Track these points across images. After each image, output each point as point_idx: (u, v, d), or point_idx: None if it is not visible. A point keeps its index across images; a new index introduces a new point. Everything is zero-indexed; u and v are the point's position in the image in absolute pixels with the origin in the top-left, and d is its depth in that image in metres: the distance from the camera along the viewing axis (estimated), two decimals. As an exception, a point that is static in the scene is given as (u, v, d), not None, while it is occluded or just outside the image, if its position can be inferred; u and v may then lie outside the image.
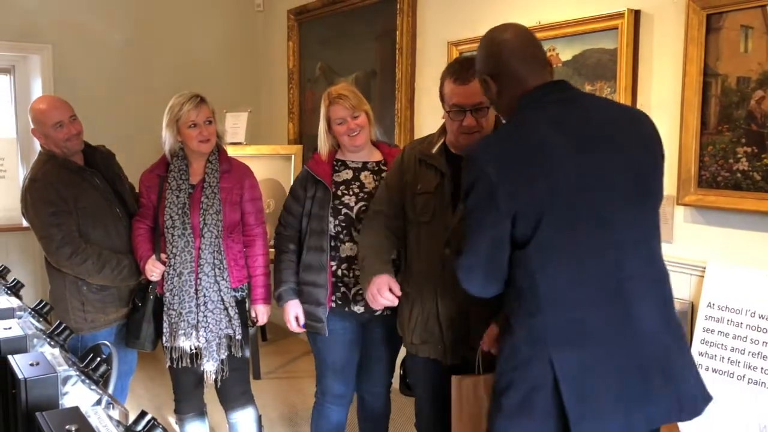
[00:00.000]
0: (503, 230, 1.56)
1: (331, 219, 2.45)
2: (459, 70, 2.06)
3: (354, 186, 2.49)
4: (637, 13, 2.62)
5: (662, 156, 1.69)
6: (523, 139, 1.59)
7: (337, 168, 2.53)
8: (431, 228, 2.16)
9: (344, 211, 2.46)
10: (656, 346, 1.58)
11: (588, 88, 2.81)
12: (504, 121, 1.82)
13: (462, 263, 1.66)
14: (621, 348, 1.55)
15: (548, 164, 1.54)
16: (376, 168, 2.54)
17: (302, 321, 2.54)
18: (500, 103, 1.73)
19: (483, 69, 1.73)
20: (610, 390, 1.54)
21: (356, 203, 2.47)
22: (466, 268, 1.66)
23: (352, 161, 2.54)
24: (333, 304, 2.48)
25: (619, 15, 2.64)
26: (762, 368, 2.28)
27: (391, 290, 2.15)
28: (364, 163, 2.54)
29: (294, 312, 2.54)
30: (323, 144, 2.53)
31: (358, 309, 2.48)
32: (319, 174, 2.49)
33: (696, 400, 1.64)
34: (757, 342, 2.30)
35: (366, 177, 2.51)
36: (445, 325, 2.15)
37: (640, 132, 1.66)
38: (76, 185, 2.66)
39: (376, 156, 2.57)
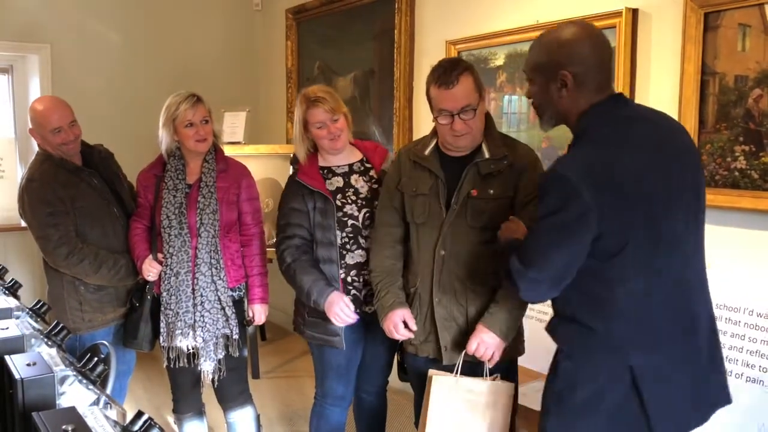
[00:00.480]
0: (585, 248, 1.59)
1: (337, 232, 2.41)
2: (443, 74, 2.05)
3: (349, 193, 2.45)
4: (635, 12, 2.62)
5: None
6: (615, 161, 1.58)
7: (325, 176, 2.47)
8: (426, 229, 2.18)
9: (350, 222, 2.42)
10: (711, 343, 1.72)
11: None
12: (545, 125, 1.79)
13: (528, 275, 1.67)
14: (691, 349, 1.67)
15: (639, 187, 1.58)
16: (362, 168, 2.50)
17: (352, 306, 2.35)
18: (560, 103, 1.70)
19: (563, 62, 1.67)
20: (685, 389, 1.65)
21: (359, 211, 2.43)
22: (532, 281, 1.67)
23: (338, 166, 2.48)
24: None
25: (617, 13, 2.64)
26: (760, 366, 2.28)
27: (407, 325, 2.22)
28: (350, 166, 2.50)
29: (339, 302, 2.32)
30: (300, 147, 2.46)
31: (369, 309, 2.46)
32: (313, 185, 2.41)
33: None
34: (755, 340, 2.30)
35: (357, 181, 2.47)
36: (440, 326, 2.16)
37: (692, 148, 1.77)
38: (73, 185, 2.66)
39: (357, 155, 2.53)
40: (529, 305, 2.98)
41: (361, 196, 2.46)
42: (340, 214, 2.42)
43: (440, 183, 2.15)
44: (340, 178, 2.48)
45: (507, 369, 2.21)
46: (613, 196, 1.55)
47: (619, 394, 1.62)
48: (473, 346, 2.06)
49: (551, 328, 1.78)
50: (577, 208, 1.54)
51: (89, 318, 2.71)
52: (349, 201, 2.44)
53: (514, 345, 2.21)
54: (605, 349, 1.64)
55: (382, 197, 2.35)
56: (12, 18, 4.38)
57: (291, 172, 2.59)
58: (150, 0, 4.84)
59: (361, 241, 2.43)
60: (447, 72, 2.04)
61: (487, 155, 2.10)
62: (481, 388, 2.08)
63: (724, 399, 1.74)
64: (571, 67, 1.65)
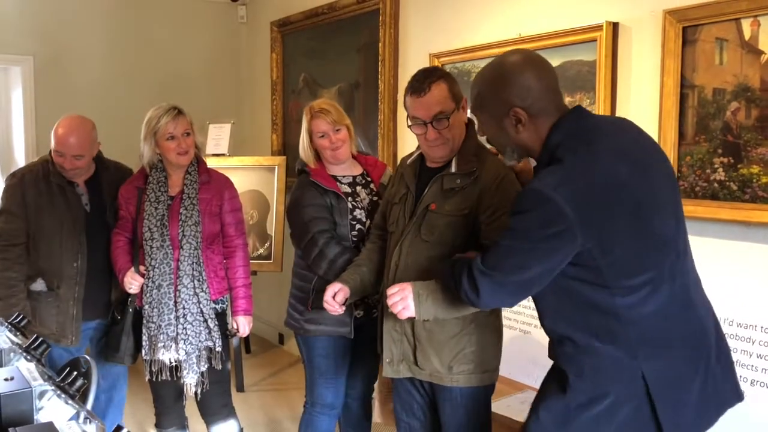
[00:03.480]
0: (564, 260, 1.57)
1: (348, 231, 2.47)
2: (415, 83, 2.04)
3: (358, 199, 2.52)
4: (615, 26, 2.65)
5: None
6: (597, 176, 1.56)
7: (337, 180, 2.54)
8: (393, 238, 2.17)
9: (358, 226, 2.48)
10: (716, 341, 1.69)
11: (568, 100, 2.84)
12: (511, 153, 1.74)
13: (494, 279, 1.64)
14: (699, 350, 1.64)
15: (624, 197, 1.56)
16: (363, 181, 2.58)
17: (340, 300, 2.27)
18: (518, 138, 1.68)
19: (512, 99, 1.64)
20: (695, 392, 1.62)
21: (366, 218, 2.49)
22: (498, 285, 1.65)
23: (343, 176, 2.56)
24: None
25: (598, 27, 2.67)
26: (741, 377, 2.29)
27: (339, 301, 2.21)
28: (354, 178, 2.57)
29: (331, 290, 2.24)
30: (309, 157, 2.53)
31: (358, 313, 2.49)
32: (327, 185, 2.48)
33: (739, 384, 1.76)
34: (735, 350, 2.31)
35: (360, 192, 2.54)
36: (387, 337, 2.14)
37: (661, 150, 1.75)
38: (45, 196, 2.71)
39: (358, 169, 2.60)
40: (515, 317, 3.01)
41: (364, 206, 2.52)
42: (351, 216, 2.48)
43: (409, 194, 2.14)
44: (346, 186, 2.54)
45: (473, 396, 2.11)
46: (599, 210, 1.53)
47: (632, 405, 1.60)
48: (395, 289, 1.94)
49: (556, 353, 1.73)
50: (561, 225, 1.52)
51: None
52: (359, 206, 2.51)
53: (480, 374, 2.09)
54: (616, 361, 1.61)
55: (381, 203, 2.40)
56: (-5, 29, 4.36)
57: (300, 179, 2.57)
58: (134, 12, 4.83)
59: (362, 247, 2.44)
60: (420, 80, 2.03)
61: (453, 169, 2.05)
62: None
63: (735, 397, 1.73)
64: (522, 102, 1.63)
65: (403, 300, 1.92)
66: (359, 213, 2.50)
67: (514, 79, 1.64)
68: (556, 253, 1.56)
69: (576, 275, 1.59)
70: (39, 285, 2.74)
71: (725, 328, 2.33)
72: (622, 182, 1.56)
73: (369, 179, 2.58)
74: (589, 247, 1.53)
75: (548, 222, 1.53)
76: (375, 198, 2.53)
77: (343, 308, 2.24)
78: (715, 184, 2.37)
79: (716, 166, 2.37)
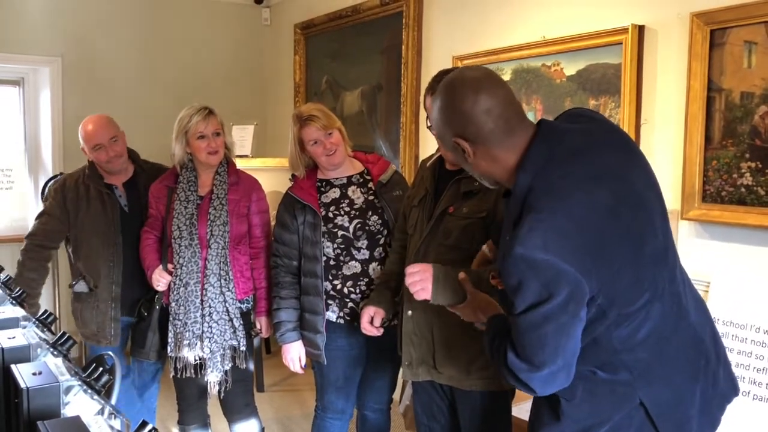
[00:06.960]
0: (584, 318, 1.40)
1: (328, 244, 2.43)
2: (434, 83, 2.01)
3: (344, 204, 2.46)
4: (641, 29, 2.63)
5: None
6: (580, 214, 1.37)
7: (322, 189, 2.50)
8: (412, 240, 2.15)
9: (341, 233, 2.43)
10: (711, 342, 1.60)
11: (592, 103, 2.82)
12: (486, 183, 1.60)
13: (541, 374, 1.43)
14: (697, 360, 1.55)
15: (611, 228, 1.39)
16: (361, 180, 2.52)
17: (304, 361, 2.56)
18: (477, 167, 1.52)
19: (453, 130, 1.48)
20: (698, 403, 1.54)
21: (350, 222, 2.44)
22: (548, 377, 1.43)
23: (336, 178, 2.51)
24: (342, 321, 2.46)
25: (624, 30, 2.65)
26: (767, 384, 2.26)
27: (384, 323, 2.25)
28: (348, 178, 2.52)
29: (297, 353, 2.54)
30: (298, 165, 2.50)
31: None
32: (305, 198, 2.45)
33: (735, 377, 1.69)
34: (762, 357, 2.28)
35: (354, 192, 2.49)
36: (406, 340, 2.13)
37: (628, 144, 1.58)
38: (84, 199, 2.81)
39: (357, 167, 2.55)
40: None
41: (355, 206, 2.47)
42: (331, 225, 2.44)
43: (428, 196, 2.12)
44: (337, 190, 2.50)
45: (493, 400, 2.07)
46: (593, 250, 1.37)
47: (634, 428, 1.51)
48: (416, 268, 1.86)
49: None
50: (567, 286, 1.33)
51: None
52: (342, 212, 2.46)
53: (499, 378, 2.00)
54: (613, 389, 1.51)
55: (402, 206, 2.36)
56: (24, 31, 4.44)
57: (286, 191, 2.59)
58: (160, 14, 4.89)
59: (354, 252, 2.43)
60: (439, 80, 1.94)
61: None
62: None
63: (733, 391, 1.64)
64: (461, 130, 1.47)
65: (423, 281, 1.83)
66: (341, 219, 2.44)
67: (452, 105, 1.48)
68: (576, 316, 1.38)
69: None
70: (81, 286, 2.85)
71: (751, 335, 2.31)
72: (607, 210, 1.39)
73: (368, 177, 2.53)
74: (593, 288, 1.39)
75: (554, 289, 1.33)
76: (372, 197, 2.48)
77: (382, 330, 2.27)
78: (742, 189, 2.34)
79: (743, 170, 2.34)
